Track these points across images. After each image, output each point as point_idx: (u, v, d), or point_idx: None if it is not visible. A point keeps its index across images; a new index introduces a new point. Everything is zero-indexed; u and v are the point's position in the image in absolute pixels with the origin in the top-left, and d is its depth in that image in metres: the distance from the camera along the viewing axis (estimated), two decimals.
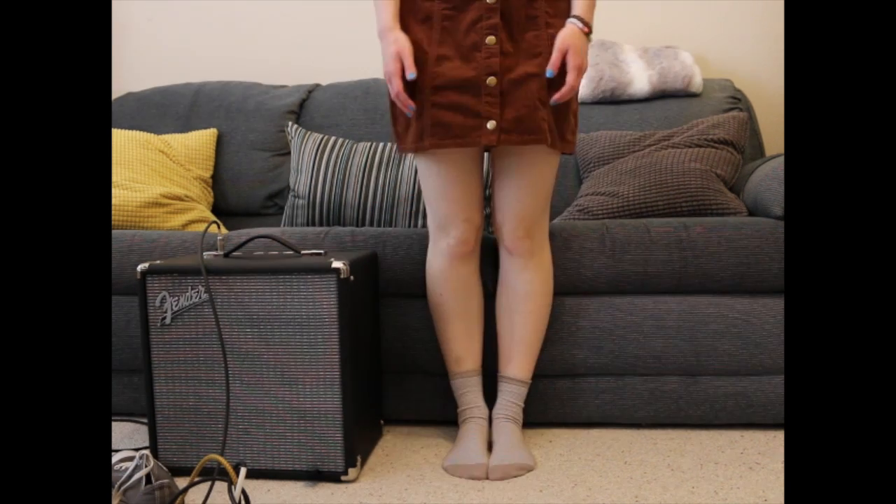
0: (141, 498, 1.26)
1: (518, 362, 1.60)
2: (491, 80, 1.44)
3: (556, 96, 1.44)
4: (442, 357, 1.71)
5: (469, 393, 1.61)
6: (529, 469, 1.50)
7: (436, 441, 1.69)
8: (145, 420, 1.86)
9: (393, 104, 1.55)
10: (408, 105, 1.45)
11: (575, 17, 1.46)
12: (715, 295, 1.69)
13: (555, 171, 1.56)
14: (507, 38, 1.46)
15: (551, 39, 1.47)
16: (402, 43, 1.44)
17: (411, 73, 1.43)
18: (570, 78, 1.43)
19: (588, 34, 1.46)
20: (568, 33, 1.44)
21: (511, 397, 1.60)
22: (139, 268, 1.49)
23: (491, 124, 1.44)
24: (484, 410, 1.61)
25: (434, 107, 1.45)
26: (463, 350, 1.62)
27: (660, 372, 1.70)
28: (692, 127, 2.14)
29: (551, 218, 2.27)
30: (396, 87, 1.44)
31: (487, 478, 1.48)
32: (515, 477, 1.48)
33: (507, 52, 1.45)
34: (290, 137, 2.34)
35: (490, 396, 1.73)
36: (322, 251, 1.58)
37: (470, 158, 1.54)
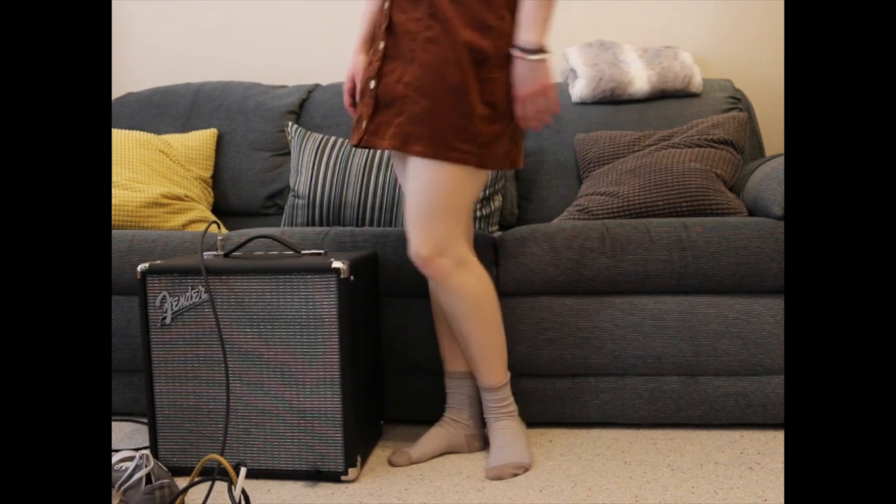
0: (141, 498, 1.26)
1: (482, 373, 1.54)
2: (371, 83, 1.48)
3: (522, 127, 1.48)
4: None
5: (450, 394, 1.62)
6: (524, 467, 1.49)
7: None
8: (145, 420, 1.86)
9: None
10: (355, 114, 1.56)
11: (514, 46, 1.40)
12: (715, 295, 1.69)
13: (455, 183, 1.41)
14: (394, 43, 1.47)
15: (427, 44, 1.41)
16: (357, 68, 1.58)
17: (352, 108, 1.61)
18: (515, 108, 1.43)
19: (530, 53, 1.37)
20: (512, 68, 1.41)
21: (490, 402, 1.56)
22: (139, 268, 1.49)
23: (363, 125, 1.49)
24: (459, 415, 1.61)
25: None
26: (446, 352, 1.63)
27: (660, 372, 1.70)
28: (692, 127, 2.14)
29: (550, 218, 2.27)
30: (346, 102, 1.62)
31: (401, 464, 1.55)
32: (513, 476, 1.48)
33: (390, 55, 1.47)
34: (289, 137, 2.34)
35: None
36: (322, 251, 1.58)
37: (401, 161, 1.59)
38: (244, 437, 1.50)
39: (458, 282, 1.46)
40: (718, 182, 1.96)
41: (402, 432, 1.77)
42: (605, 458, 1.57)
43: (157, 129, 2.49)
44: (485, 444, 1.64)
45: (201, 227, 2.21)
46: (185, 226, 2.18)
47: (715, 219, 1.71)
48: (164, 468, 1.35)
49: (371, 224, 2.17)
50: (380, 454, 1.63)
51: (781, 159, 1.79)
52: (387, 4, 1.47)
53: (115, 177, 2.18)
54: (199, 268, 1.47)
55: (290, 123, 2.36)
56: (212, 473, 1.50)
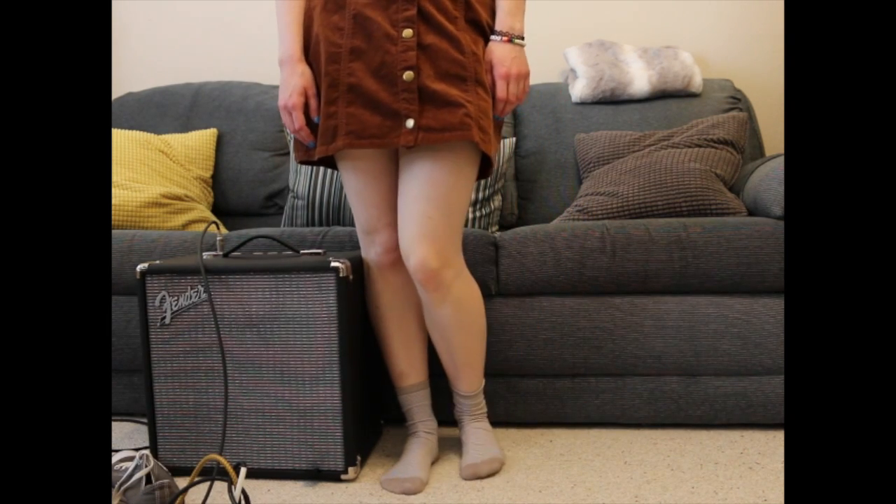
0: (141, 498, 1.26)
1: (465, 380, 1.53)
2: (408, 75, 1.36)
3: (496, 112, 1.44)
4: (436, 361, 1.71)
5: (415, 408, 1.56)
6: (500, 462, 1.49)
7: None
8: (145, 420, 1.86)
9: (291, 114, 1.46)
10: (309, 140, 1.43)
11: (495, 32, 1.44)
12: (715, 295, 1.69)
13: (471, 185, 1.43)
14: (427, 29, 1.38)
15: (468, 40, 1.41)
16: (309, 79, 1.42)
17: (317, 118, 1.42)
18: (498, 89, 1.42)
19: (511, 40, 1.42)
20: (488, 50, 1.43)
21: (467, 408, 1.56)
22: (139, 268, 1.49)
23: (409, 123, 1.36)
24: (431, 424, 1.57)
25: (349, 105, 1.38)
26: (405, 365, 1.56)
27: (660, 372, 1.70)
28: (692, 127, 2.14)
29: (550, 218, 2.27)
30: (299, 121, 1.41)
31: (420, 491, 1.42)
32: (489, 474, 1.47)
33: (428, 44, 1.37)
34: (289, 138, 2.34)
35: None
36: (321, 251, 1.58)
37: (388, 159, 1.48)
38: (244, 436, 1.50)
39: (459, 293, 1.45)
40: (718, 182, 1.96)
41: (401, 432, 1.77)
42: (605, 458, 1.57)
43: (157, 129, 2.49)
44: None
45: (201, 227, 2.21)
46: (185, 226, 2.18)
47: (715, 219, 1.71)
48: (164, 468, 1.35)
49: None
50: (380, 454, 1.63)
51: (781, 159, 1.79)
52: None
53: (115, 177, 2.18)
54: (199, 268, 1.47)
55: None
56: (212, 473, 1.50)
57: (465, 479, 1.47)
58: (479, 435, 1.54)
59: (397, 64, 1.37)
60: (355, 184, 1.48)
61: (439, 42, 1.38)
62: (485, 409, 1.58)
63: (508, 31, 1.43)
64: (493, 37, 1.44)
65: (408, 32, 1.37)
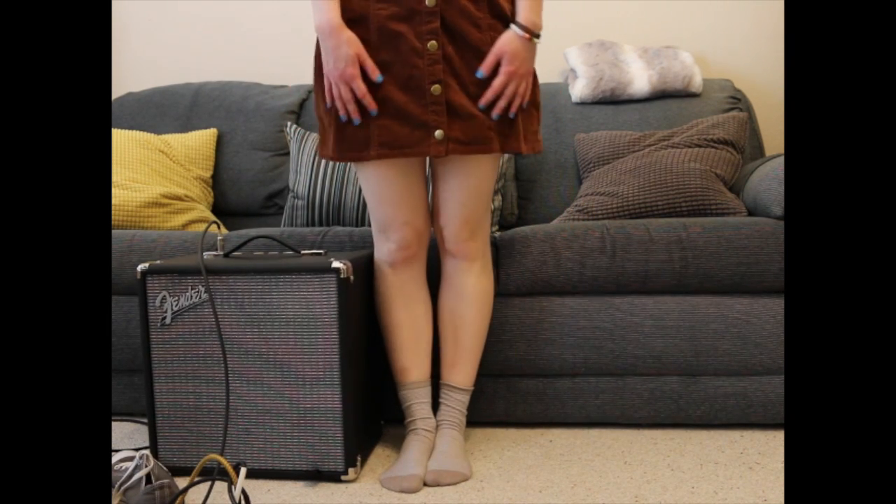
0: (141, 498, 1.26)
1: (462, 370, 1.57)
2: (435, 88, 1.41)
3: (482, 100, 1.43)
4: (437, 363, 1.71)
5: (415, 405, 1.57)
6: (464, 478, 1.46)
7: None
8: (145, 420, 1.86)
9: (318, 107, 1.51)
10: (373, 108, 1.41)
11: (515, 23, 1.43)
12: (715, 295, 1.69)
13: (497, 171, 1.54)
14: (449, 41, 1.43)
15: (493, 42, 1.44)
16: (358, 44, 1.40)
17: (379, 76, 1.41)
18: (497, 81, 1.42)
19: (531, 39, 1.42)
20: (505, 39, 1.42)
21: (455, 405, 1.57)
22: (139, 268, 1.49)
23: (438, 134, 1.42)
24: (430, 423, 1.56)
25: (379, 117, 1.42)
26: (408, 361, 1.57)
27: (660, 372, 1.70)
28: (692, 127, 2.14)
29: (550, 218, 2.27)
30: (361, 89, 1.39)
31: (423, 486, 1.44)
32: (450, 484, 1.45)
33: (450, 56, 1.42)
34: (289, 138, 2.34)
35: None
36: (322, 251, 1.58)
37: (412, 163, 1.50)
38: (244, 436, 1.50)
39: (483, 264, 1.57)
40: (718, 182, 1.96)
41: (401, 432, 1.77)
42: (605, 458, 1.57)
43: (157, 129, 2.49)
44: None
45: (201, 227, 2.21)
46: (185, 226, 2.18)
47: (715, 219, 1.71)
48: (164, 468, 1.35)
49: (370, 224, 2.16)
50: (380, 454, 1.63)
51: (781, 159, 1.79)
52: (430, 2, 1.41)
53: (115, 177, 2.18)
54: (199, 268, 1.47)
55: (289, 123, 2.36)
56: (212, 473, 1.50)
57: (427, 484, 1.44)
58: (454, 445, 1.52)
59: (425, 77, 1.41)
60: (367, 182, 1.51)
61: (463, 53, 1.43)
62: (464, 421, 1.58)
63: (532, 27, 1.42)
64: (514, 27, 1.42)
65: (433, 45, 1.41)
